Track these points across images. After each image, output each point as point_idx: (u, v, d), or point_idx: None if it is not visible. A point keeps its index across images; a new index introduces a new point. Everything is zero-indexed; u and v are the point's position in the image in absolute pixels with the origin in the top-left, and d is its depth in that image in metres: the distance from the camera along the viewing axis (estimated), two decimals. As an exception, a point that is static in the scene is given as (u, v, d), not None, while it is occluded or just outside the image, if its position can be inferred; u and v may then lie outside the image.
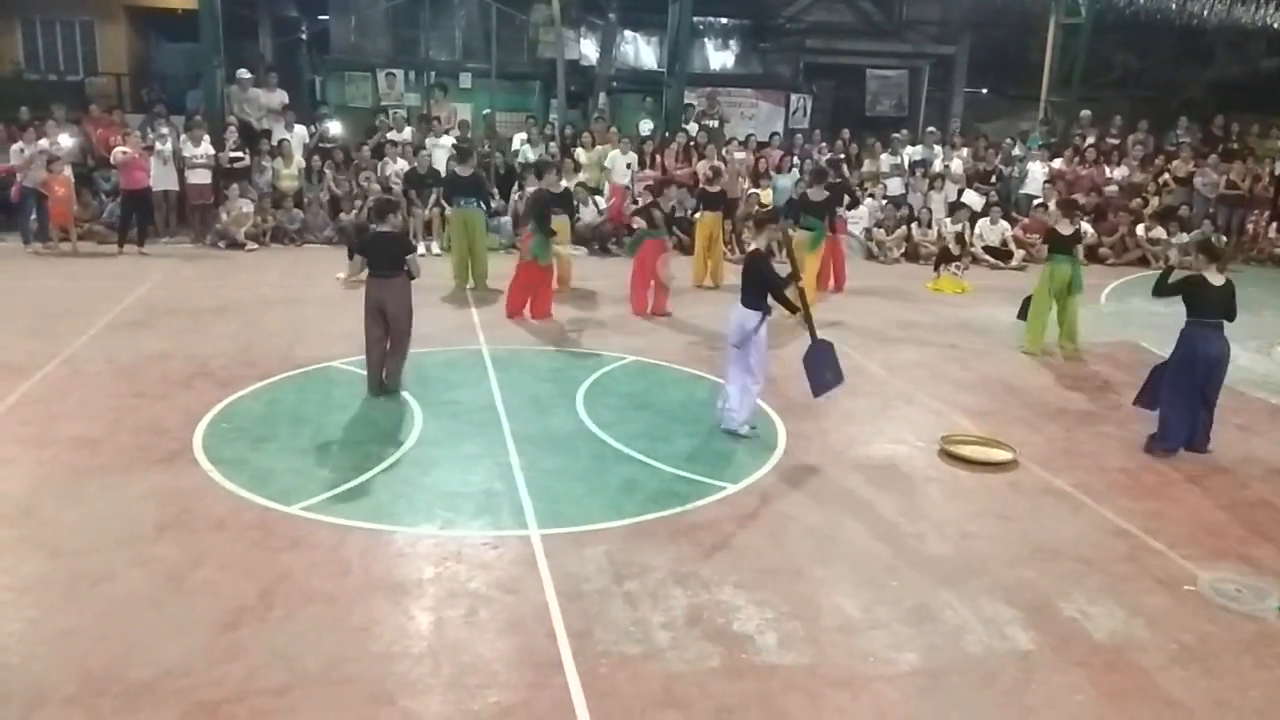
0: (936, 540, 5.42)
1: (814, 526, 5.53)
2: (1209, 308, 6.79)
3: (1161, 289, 7.10)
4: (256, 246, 13.15)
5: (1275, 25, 19.81)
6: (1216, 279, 6.86)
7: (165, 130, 13.42)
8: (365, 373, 7.41)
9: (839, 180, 13.35)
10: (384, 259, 7.24)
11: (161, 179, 13.27)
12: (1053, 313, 9.59)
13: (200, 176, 13.45)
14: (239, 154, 13.67)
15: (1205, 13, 19.42)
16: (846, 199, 12.80)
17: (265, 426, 6.67)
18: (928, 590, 4.86)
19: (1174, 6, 19.18)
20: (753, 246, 7.11)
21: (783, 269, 7.09)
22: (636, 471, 6.17)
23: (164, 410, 6.86)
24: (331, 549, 4.98)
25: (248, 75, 14.84)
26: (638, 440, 6.64)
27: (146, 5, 18.74)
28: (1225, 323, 6.86)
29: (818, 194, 10.77)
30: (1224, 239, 15.11)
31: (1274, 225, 15.64)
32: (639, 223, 13.90)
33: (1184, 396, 6.85)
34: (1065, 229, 9.51)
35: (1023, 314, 9.70)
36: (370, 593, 4.58)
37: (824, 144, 16.49)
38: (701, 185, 11.77)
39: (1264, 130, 17.46)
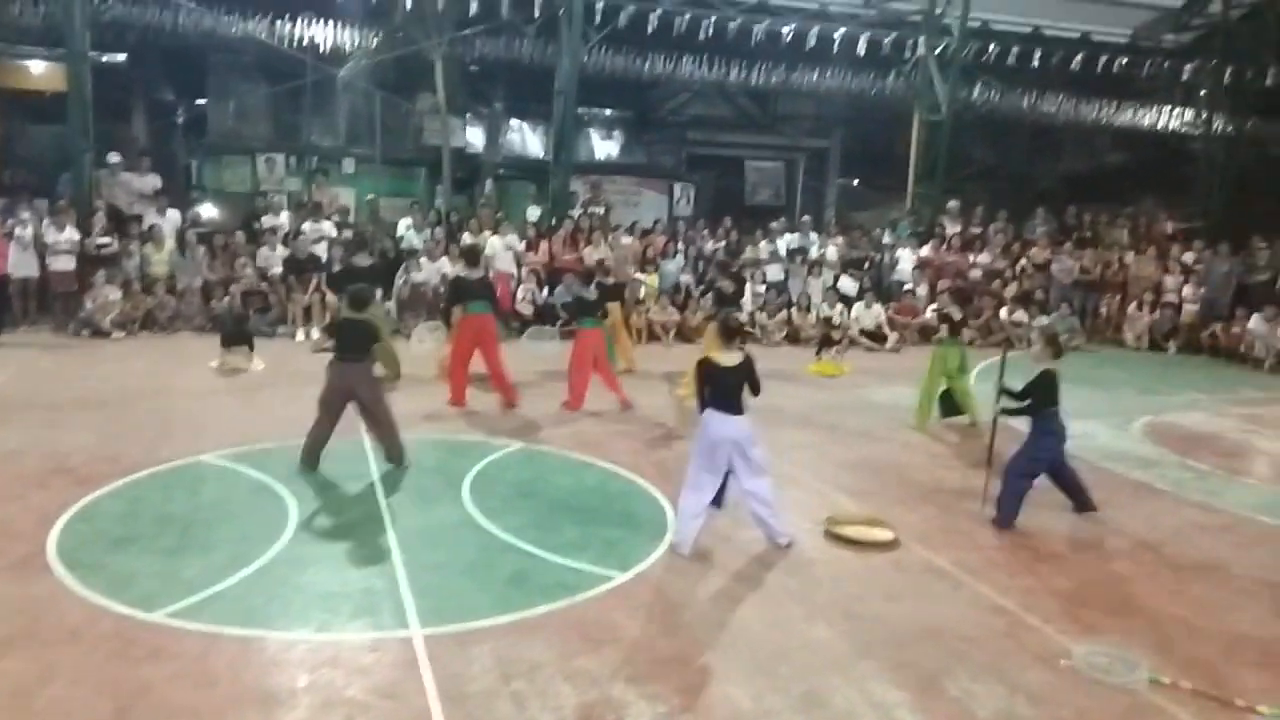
0: (824, 624, 5.45)
1: (704, 613, 5.50)
2: (1058, 396, 7.08)
3: (1029, 410, 7.13)
4: (124, 335, 12.61)
5: (1116, 124, 21.51)
6: (1059, 368, 7.18)
7: (26, 215, 12.85)
8: (303, 448, 7.49)
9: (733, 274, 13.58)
10: (354, 344, 7.47)
11: (21, 265, 12.69)
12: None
13: (64, 263, 12.90)
14: (107, 239, 13.19)
15: (1054, 111, 20.96)
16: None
17: (127, 527, 6.28)
18: (817, 675, 4.86)
19: (1025, 105, 20.63)
20: (722, 353, 6.45)
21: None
22: (524, 563, 6.03)
23: (15, 512, 6.40)
24: (197, 658, 4.68)
25: (118, 159, 14.42)
26: (525, 530, 6.52)
27: (12, 87, 18.05)
28: None
29: (728, 287, 11.03)
30: (1078, 323, 16.12)
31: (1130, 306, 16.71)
32: (526, 310, 14.08)
33: (1030, 482, 7.11)
34: (956, 314, 10.20)
35: (945, 413, 10.15)
36: (239, 705, 4.30)
37: (706, 231, 16.95)
38: (598, 279, 11.85)
39: (1111, 220, 18.78)
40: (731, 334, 6.55)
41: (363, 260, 11.11)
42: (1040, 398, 7.04)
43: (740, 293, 11.42)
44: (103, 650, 4.72)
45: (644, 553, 6.25)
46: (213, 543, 6.07)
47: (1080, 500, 7.48)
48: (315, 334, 12.77)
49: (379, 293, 11.33)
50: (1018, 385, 7.16)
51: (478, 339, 9.71)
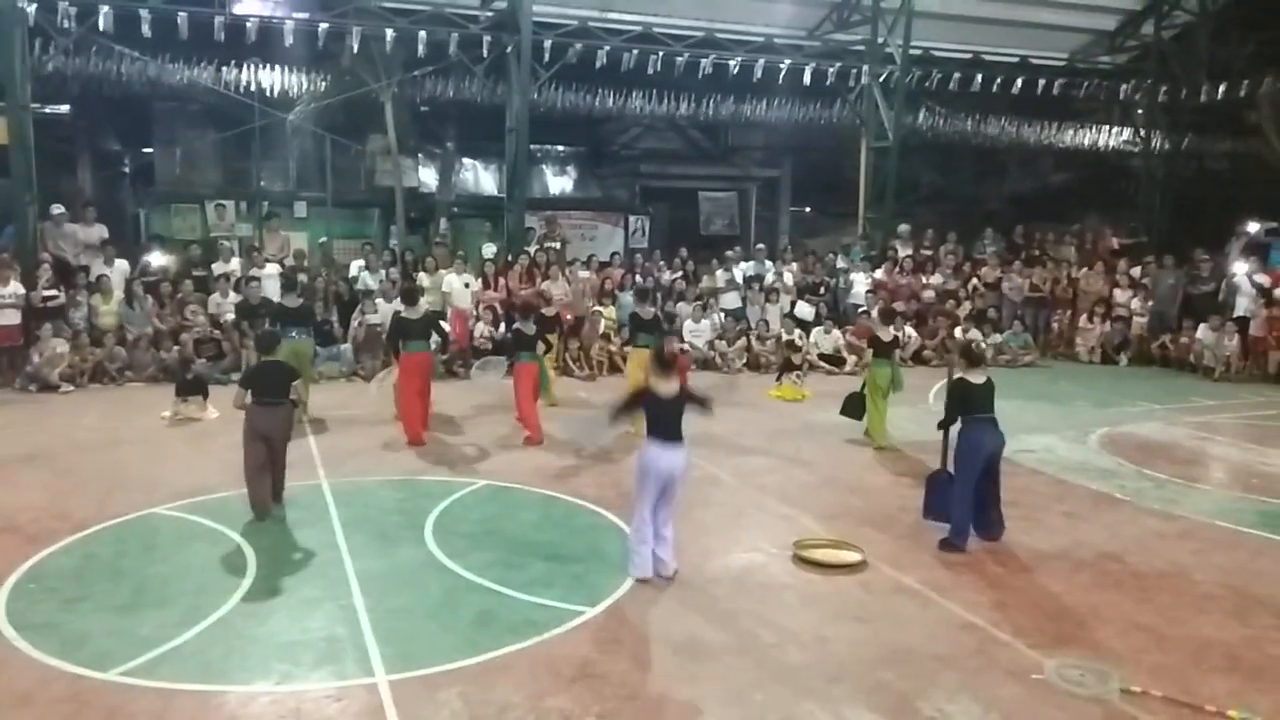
0: (796, 649, 5.41)
1: (676, 645, 5.43)
2: (979, 404, 7.13)
3: (948, 420, 7.36)
4: (72, 388, 12.30)
5: (1058, 144, 22.06)
6: (979, 378, 7.22)
7: (-32, 270, 12.56)
8: (250, 499, 7.32)
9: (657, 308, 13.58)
10: (272, 387, 7.37)
11: (-36, 322, 12.38)
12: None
13: (8, 317, 12.57)
14: (53, 292, 12.92)
15: (997, 134, 21.44)
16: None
17: (79, 584, 6.09)
18: (792, 702, 4.81)
19: (969, 129, 21.08)
20: (660, 382, 6.34)
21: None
22: (491, 602, 5.93)
23: (-41, 575, 6.19)
24: (154, 717, 4.52)
25: (61, 210, 14.16)
26: (491, 569, 6.42)
27: (-50, 140, 17.75)
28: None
29: (646, 311, 11.15)
30: (1031, 339, 16.39)
31: (1080, 320, 17.00)
32: (485, 346, 14.04)
33: (972, 490, 7.09)
34: (885, 335, 10.27)
35: (844, 410, 10.49)
36: (199, 763, 4.16)
37: (663, 262, 17.02)
38: (540, 309, 11.89)
39: (1058, 237, 19.15)
40: (666, 364, 6.44)
41: (290, 301, 11.00)
42: (952, 404, 7.21)
43: (659, 319, 11.42)
44: (56, 714, 4.56)
45: (612, 586, 6.18)
46: (168, 597, 5.90)
47: (989, 525, 7.28)
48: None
49: (311, 332, 11.27)
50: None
51: (418, 376, 9.84)
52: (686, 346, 12.74)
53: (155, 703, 4.65)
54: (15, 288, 12.63)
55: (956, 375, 7.36)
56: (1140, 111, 21.42)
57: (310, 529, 7.21)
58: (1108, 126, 22.13)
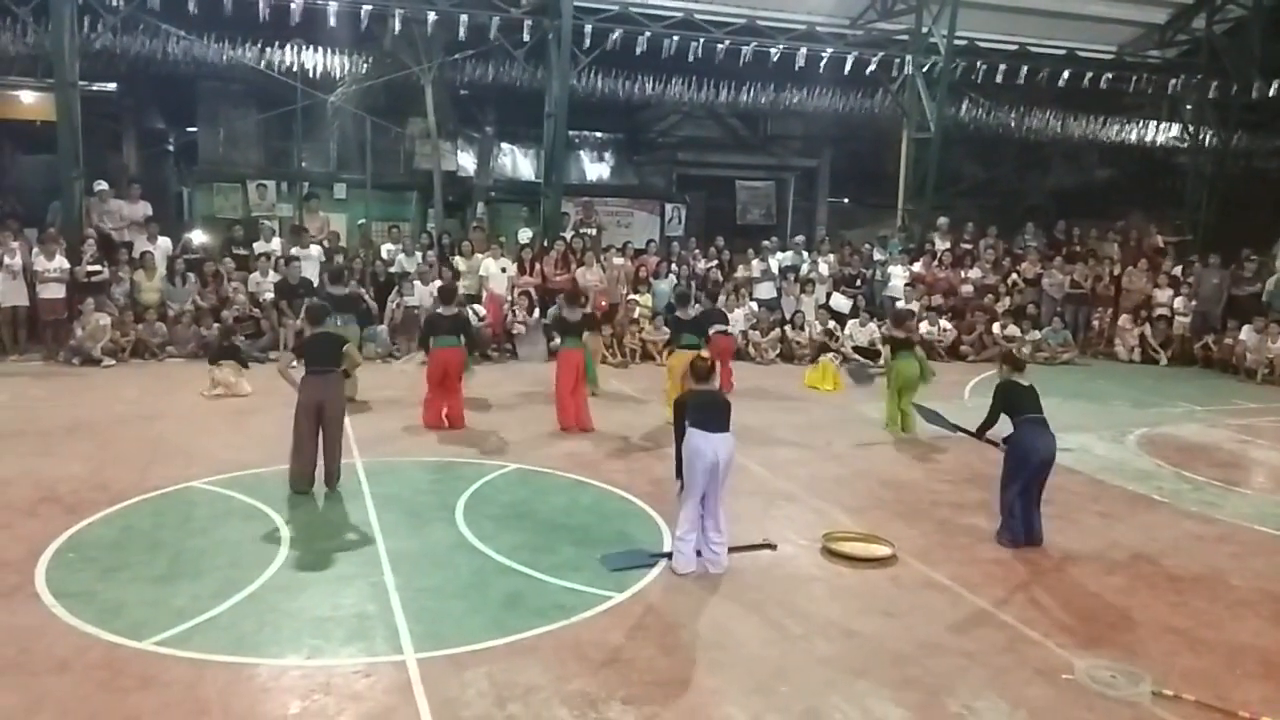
0: (823, 641, 5.39)
1: (702, 633, 5.43)
2: (1029, 405, 7.08)
3: (983, 427, 7.39)
4: (114, 362, 12.53)
5: (1104, 138, 21.67)
6: (1024, 381, 7.22)
7: (15, 244, 12.81)
8: (291, 471, 7.49)
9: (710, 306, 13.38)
10: (325, 357, 7.57)
11: (10, 294, 12.65)
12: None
13: (53, 291, 12.83)
14: (97, 267, 13.14)
15: (1042, 127, 21.11)
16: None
17: (117, 555, 6.21)
18: (816, 693, 4.80)
19: (1013, 122, 20.77)
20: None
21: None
22: (519, 585, 5.97)
23: (4, 541, 6.33)
24: (187, 687, 4.60)
25: (106, 186, 14.39)
26: (520, 552, 6.46)
27: (2, 117, 18.08)
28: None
29: (687, 314, 11.09)
30: (1070, 337, 16.16)
31: (1121, 319, 16.72)
32: (518, 329, 14.13)
33: (1022, 489, 7.02)
34: (899, 334, 10.76)
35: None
36: (230, 733, 4.23)
37: (698, 250, 16.97)
38: (579, 303, 11.86)
39: (1102, 234, 18.83)
40: (703, 376, 6.50)
41: (338, 290, 11.13)
42: (996, 406, 7.24)
43: (700, 320, 11.19)
44: (92, 680, 4.65)
45: (640, 572, 6.19)
46: (203, 569, 6.00)
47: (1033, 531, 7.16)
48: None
49: (358, 320, 11.35)
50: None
51: (445, 369, 9.93)
52: (729, 329, 12.62)
53: (188, 672, 4.73)
54: (60, 262, 12.88)
55: (1002, 379, 7.32)
56: (1189, 107, 20.99)
57: (343, 507, 7.30)
58: (1155, 122, 21.72)
